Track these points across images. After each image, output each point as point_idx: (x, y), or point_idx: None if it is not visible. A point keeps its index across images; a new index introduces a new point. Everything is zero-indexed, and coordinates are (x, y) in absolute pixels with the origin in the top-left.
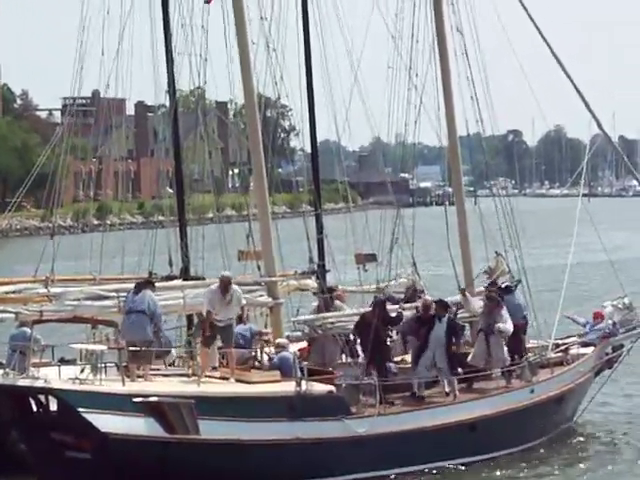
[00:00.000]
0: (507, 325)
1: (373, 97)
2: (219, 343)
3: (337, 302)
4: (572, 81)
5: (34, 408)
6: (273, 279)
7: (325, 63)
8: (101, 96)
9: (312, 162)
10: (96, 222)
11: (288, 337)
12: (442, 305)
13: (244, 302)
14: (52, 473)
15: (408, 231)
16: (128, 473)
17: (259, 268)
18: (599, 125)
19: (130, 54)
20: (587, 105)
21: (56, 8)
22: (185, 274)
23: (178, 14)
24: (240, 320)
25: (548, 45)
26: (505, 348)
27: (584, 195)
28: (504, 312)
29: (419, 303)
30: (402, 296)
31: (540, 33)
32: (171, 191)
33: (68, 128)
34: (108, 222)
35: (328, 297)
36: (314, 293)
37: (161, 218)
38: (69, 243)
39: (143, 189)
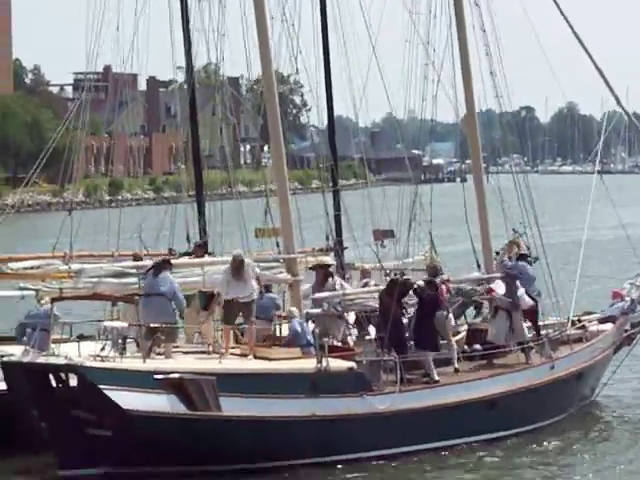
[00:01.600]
0: (526, 299)
1: (389, 73)
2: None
3: (332, 279)
4: (591, 56)
5: (54, 385)
6: (292, 256)
7: (342, 38)
8: (115, 71)
9: (329, 139)
10: (108, 198)
11: (307, 314)
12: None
13: (258, 271)
14: (73, 450)
15: (425, 208)
16: (149, 450)
17: (278, 245)
18: (618, 101)
19: (145, 30)
20: (606, 81)
21: None
22: (203, 250)
23: None
24: (267, 290)
25: (566, 20)
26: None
27: (597, 172)
28: (519, 287)
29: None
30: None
31: (559, 9)
32: (183, 167)
33: (84, 103)
34: (119, 198)
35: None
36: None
37: (173, 194)
38: (82, 219)
39: (155, 165)
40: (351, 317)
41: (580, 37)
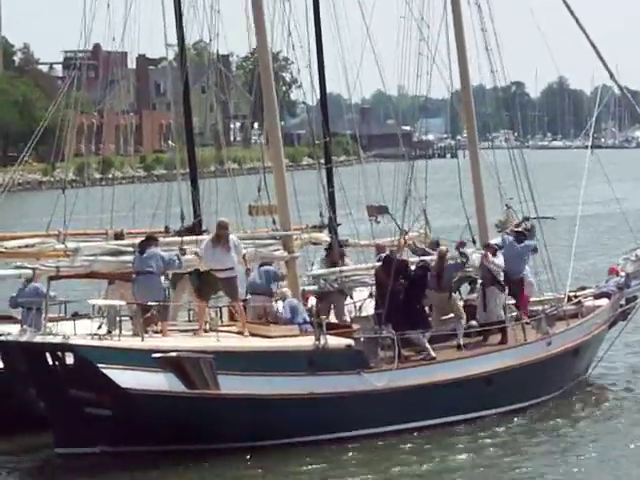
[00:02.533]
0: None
1: (381, 50)
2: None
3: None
4: (584, 30)
5: (50, 364)
6: (289, 233)
7: (334, 13)
8: (105, 49)
9: (323, 115)
10: (99, 176)
11: (304, 291)
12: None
13: (244, 251)
14: (71, 429)
15: (417, 184)
16: (148, 428)
17: (274, 222)
18: (611, 76)
19: (136, 7)
20: (600, 55)
21: None
22: (198, 228)
23: None
24: (247, 273)
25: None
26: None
27: (586, 147)
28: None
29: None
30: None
31: None
32: (173, 145)
33: (74, 82)
34: (110, 176)
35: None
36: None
37: (164, 172)
38: (74, 197)
39: (145, 143)
40: (364, 293)
41: (573, 10)
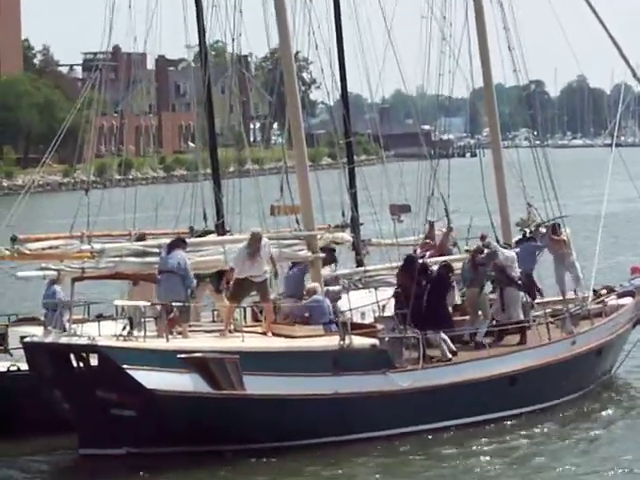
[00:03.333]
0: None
1: (402, 49)
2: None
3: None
4: (606, 28)
5: (75, 365)
6: (312, 233)
7: (355, 14)
8: (125, 51)
9: (345, 115)
10: (118, 177)
11: (328, 292)
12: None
13: (273, 251)
14: (97, 431)
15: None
16: (173, 429)
17: (298, 222)
18: (634, 73)
19: (157, 8)
20: (621, 52)
21: None
22: (221, 229)
23: None
24: (275, 275)
25: None
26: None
27: (608, 145)
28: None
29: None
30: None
31: None
32: (193, 145)
33: (96, 83)
34: (130, 177)
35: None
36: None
37: (184, 172)
38: (96, 198)
39: (165, 144)
40: (388, 293)
41: (594, 7)
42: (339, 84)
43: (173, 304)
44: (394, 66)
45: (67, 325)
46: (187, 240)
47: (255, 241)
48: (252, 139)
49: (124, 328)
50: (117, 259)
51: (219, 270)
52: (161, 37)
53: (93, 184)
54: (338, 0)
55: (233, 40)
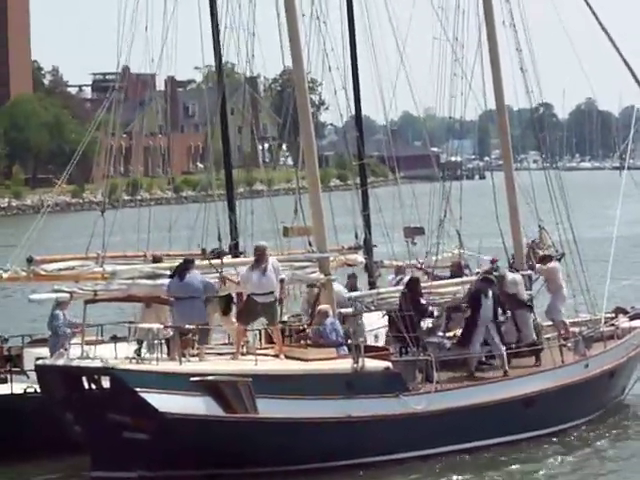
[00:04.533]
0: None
1: (414, 71)
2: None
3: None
4: (617, 49)
5: (87, 388)
6: (325, 255)
7: (370, 36)
8: (134, 72)
9: (359, 137)
10: (127, 197)
11: (340, 314)
12: (487, 280)
13: (283, 275)
14: (109, 454)
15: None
16: (186, 453)
17: (310, 244)
18: None
19: (170, 31)
20: (634, 74)
21: None
22: (235, 250)
23: None
24: (280, 302)
25: (594, 14)
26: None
27: (616, 168)
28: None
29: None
30: (447, 272)
31: (588, 4)
32: (202, 166)
33: (111, 104)
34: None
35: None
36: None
37: (191, 193)
38: (108, 219)
39: (173, 165)
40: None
41: (607, 29)
42: (352, 106)
43: (189, 327)
44: (404, 87)
45: (79, 348)
46: (199, 262)
47: (260, 254)
48: (261, 160)
49: (136, 350)
50: (129, 281)
51: (228, 293)
52: (172, 58)
53: (100, 204)
54: (353, 22)
55: (247, 62)
